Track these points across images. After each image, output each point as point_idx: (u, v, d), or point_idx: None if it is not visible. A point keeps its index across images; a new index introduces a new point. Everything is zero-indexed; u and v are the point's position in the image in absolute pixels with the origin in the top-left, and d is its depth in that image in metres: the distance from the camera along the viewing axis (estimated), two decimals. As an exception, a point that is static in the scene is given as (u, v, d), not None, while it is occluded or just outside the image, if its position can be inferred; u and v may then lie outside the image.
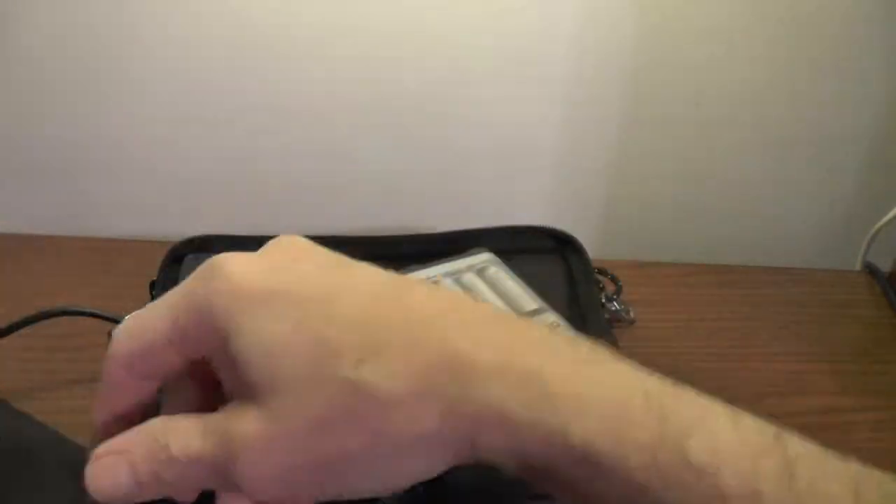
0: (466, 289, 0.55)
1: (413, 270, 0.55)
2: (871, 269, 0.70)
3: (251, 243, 0.58)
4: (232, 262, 0.27)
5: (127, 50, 0.62)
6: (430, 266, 0.56)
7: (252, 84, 0.64)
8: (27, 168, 0.66)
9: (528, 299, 0.54)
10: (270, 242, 0.30)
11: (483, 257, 0.57)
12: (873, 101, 0.69)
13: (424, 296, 0.27)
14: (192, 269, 0.55)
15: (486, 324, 0.26)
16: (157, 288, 0.53)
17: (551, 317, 0.52)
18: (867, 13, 0.64)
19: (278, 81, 0.64)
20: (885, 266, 0.70)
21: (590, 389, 0.25)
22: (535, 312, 0.52)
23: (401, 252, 0.59)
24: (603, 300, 0.59)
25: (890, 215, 0.69)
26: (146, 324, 0.28)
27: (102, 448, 0.27)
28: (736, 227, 0.75)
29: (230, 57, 0.62)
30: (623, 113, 0.68)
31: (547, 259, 0.61)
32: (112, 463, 0.26)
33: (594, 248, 0.64)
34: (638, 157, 0.71)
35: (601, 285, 0.60)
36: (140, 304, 0.57)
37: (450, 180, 0.70)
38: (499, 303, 0.53)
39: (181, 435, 0.26)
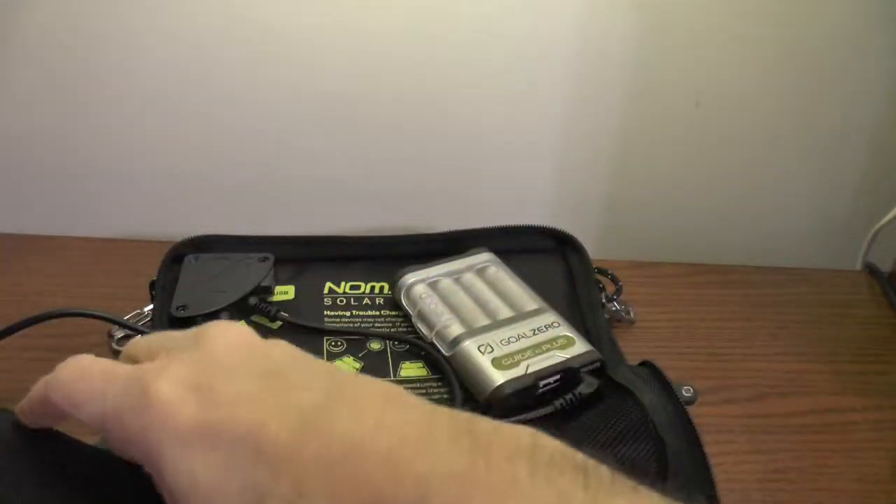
0: (466, 288, 0.54)
1: (412, 270, 0.55)
2: (871, 269, 0.70)
3: (251, 243, 0.58)
4: (163, 388, 0.27)
5: (127, 50, 0.62)
6: (430, 266, 0.56)
7: (252, 85, 0.64)
8: (27, 168, 0.66)
9: (528, 299, 0.54)
10: (204, 334, 0.29)
11: (483, 257, 0.57)
12: (873, 101, 0.69)
13: (349, 420, 0.26)
14: (192, 268, 0.53)
15: (414, 446, 0.25)
16: (157, 288, 0.53)
17: (551, 316, 0.52)
18: (867, 13, 0.64)
19: (278, 82, 0.64)
20: (885, 266, 0.70)
21: None
22: (535, 312, 0.52)
23: (400, 252, 0.59)
24: (603, 300, 0.59)
25: (890, 215, 0.69)
26: (93, 389, 0.29)
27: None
28: (736, 227, 0.75)
29: (231, 58, 0.62)
30: (623, 113, 0.68)
31: (547, 259, 0.61)
32: None
33: (594, 248, 0.63)
34: (638, 158, 0.71)
35: (601, 285, 0.60)
36: (140, 304, 0.58)
37: (450, 180, 0.70)
38: (499, 303, 0.53)
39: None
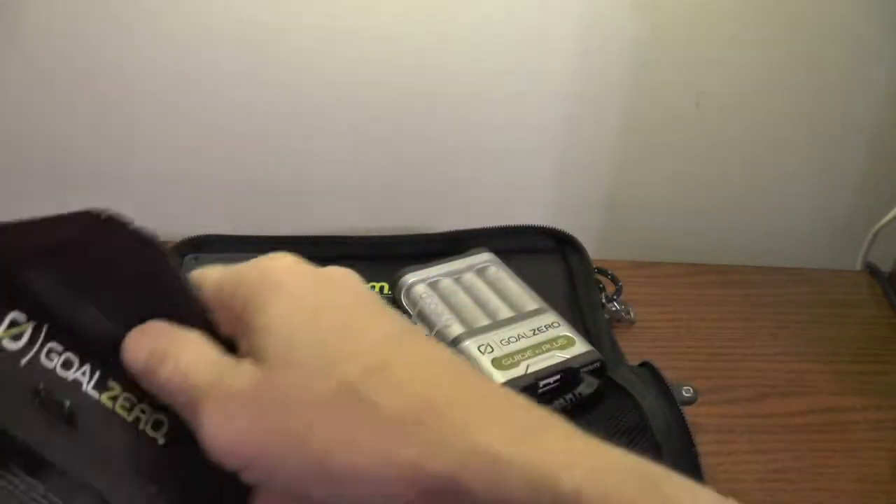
0: (466, 288, 0.54)
1: (413, 270, 0.55)
2: (871, 269, 0.70)
3: (251, 243, 0.58)
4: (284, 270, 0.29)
5: (126, 50, 0.62)
6: (430, 266, 0.56)
7: (253, 85, 0.64)
8: (28, 169, 0.66)
9: (528, 299, 0.54)
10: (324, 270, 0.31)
11: (483, 257, 0.57)
12: (873, 101, 0.69)
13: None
14: (192, 268, 0.54)
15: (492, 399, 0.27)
16: None
17: (551, 316, 0.52)
18: (867, 13, 0.64)
19: (279, 83, 0.64)
20: (885, 266, 0.70)
21: (584, 449, 0.25)
22: (535, 312, 0.52)
23: (400, 252, 0.59)
24: (603, 300, 0.59)
25: (890, 215, 0.69)
26: (204, 274, 0.30)
27: (148, 325, 0.28)
28: (736, 227, 0.75)
29: (232, 58, 0.62)
30: (623, 113, 0.68)
31: (547, 259, 0.61)
32: (140, 338, 0.28)
33: (594, 248, 0.64)
34: (638, 158, 0.71)
35: (601, 285, 0.60)
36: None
37: (450, 180, 0.70)
38: (499, 303, 0.53)
39: (192, 355, 0.27)
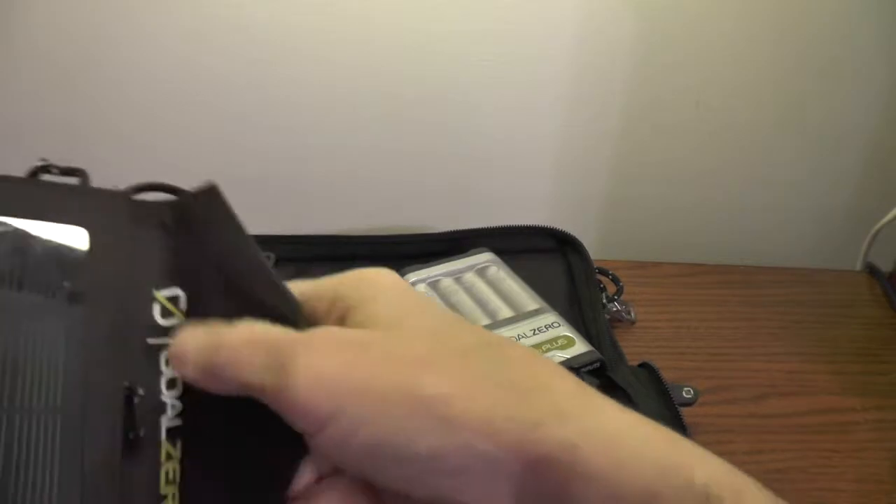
0: (466, 288, 0.54)
1: (413, 270, 0.55)
2: (871, 270, 0.70)
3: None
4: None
5: (128, 50, 0.62)
6: (431, 265, 0.56)
7: (254, 86, 0.64)
8: (29, 164, 0.66)
9: (529, 299, 0.54)
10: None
11: (484, 257, 0.57)
12: (873, 101, 0.69)
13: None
14: None
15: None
16: None
17: (551, 316, 0.52)
18: (867, 14, 0.64)
19: (280, 83, 0.64)
20: (885, 266, 0.70)
21: (708, 454, 0.25)
22: (535, 312, 0.52)
23: (402, 252, 0.59)
24: (604, 300, 0.59)
25: (890, 215, 0.69)
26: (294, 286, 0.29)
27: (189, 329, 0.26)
28: (736, 227, 0.75)
29: (233, 58, 0.62)
30: (623, 113, 0.68)
31: (548, 259, 0.61)
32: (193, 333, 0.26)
33: (594, 248, 0.63)
34: (638, 158, 0.71)
35: (602, 286, 0.60)
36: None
37: (450, 180, 0.70)
38: (499, 303, 0.53)
39: (262, 325, 0.25)
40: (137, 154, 0.67)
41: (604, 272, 0.62)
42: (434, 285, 0.54)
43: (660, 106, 0.68)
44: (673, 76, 0.67)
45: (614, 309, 0.60)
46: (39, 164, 0.28)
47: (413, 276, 0.55)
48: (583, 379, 0.47)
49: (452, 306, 0.53)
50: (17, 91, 0.63)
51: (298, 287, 0.29)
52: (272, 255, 0.55)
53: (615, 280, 0.62)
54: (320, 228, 0.63)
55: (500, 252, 0.58)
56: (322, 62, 0.63)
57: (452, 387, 0.23)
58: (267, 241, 0.57)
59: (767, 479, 0.53)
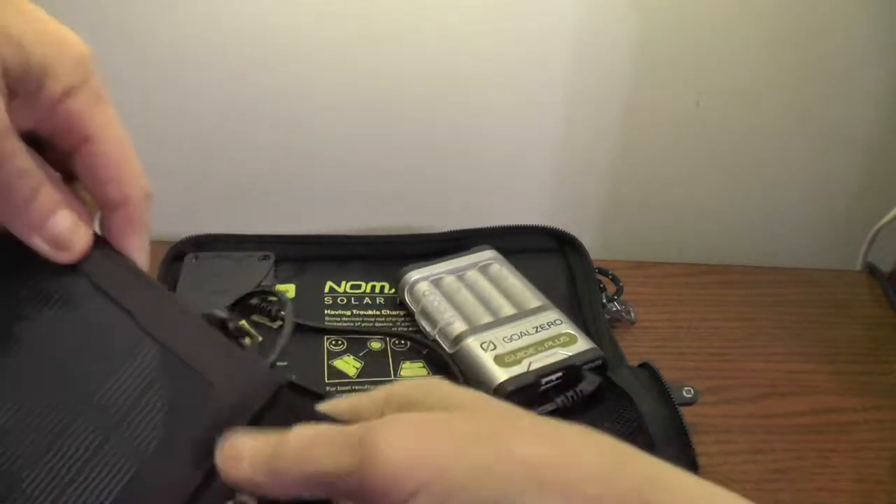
0: (469, 285, 0.54)
1: (417, 268, 0.55)
2: (871, 269, 0.70)
3: (251, 242, 0.58)
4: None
5: (127, 50, 0.62)
6: (434, 263, 0.56)
7: (254, 85, 0.64)
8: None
9: (531, 297, 0.54)
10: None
11: (486, 255, 0.57)
12: (873, 101, 0.69)
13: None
14: (192, 267, 0.53)
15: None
16: None
17: (553, 314, 0.52)
18: (867, 13, 0.64)
19: (279, 83, 0.64)
20: (885, 266, 0.70)
21: None
22: (538, 310, 0.52)
23: (402, 252, 0.59)
24: (604, 300, 0.59)
25: (890, 215, 0.69)
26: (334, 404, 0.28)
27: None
28: (736, 227, 0.75)
29: (232, 57, 0.62)
30: (623, 113, 0.68)
31: (548, 258, 0.61)
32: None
33: (594, 248, 0.63)
34: (638, 158, 0.71)
35: (602, 286, 0.60)
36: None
37: (450, 180, 0.70)
38: (502, 300, 0.53)
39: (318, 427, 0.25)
40: (138, 153, 0.67)
41: (604, 272, 0.62)
42: (437, 283, 0.54)
43: (660, 106, 0.68)
44: (673, 76, 0.67)
45: (614, 309, 0.60)
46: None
47: (416, 274, 0.55)
48: (585, 377, 0.47)
49: (455, 303, 0.53)
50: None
51: (348, 401, 0.27)
52: (271, 255, 0.55)
53: (615, 280, 0.62)
54: (319, 227, 0.63)
55: (500, 251, 0.58)
56: (321, 62, 0.63)
57: (545, 453, 0.23)
58: (266, 241, 0.57)
59: (767, 479, 0.53)
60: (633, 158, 0.71)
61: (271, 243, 0.57)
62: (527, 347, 0.49)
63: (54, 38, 0.29)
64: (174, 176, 0.68)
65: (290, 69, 0.63)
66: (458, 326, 0.50)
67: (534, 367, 0.47)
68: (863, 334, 0.63)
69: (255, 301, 0.52)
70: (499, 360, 0.48)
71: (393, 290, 0.56)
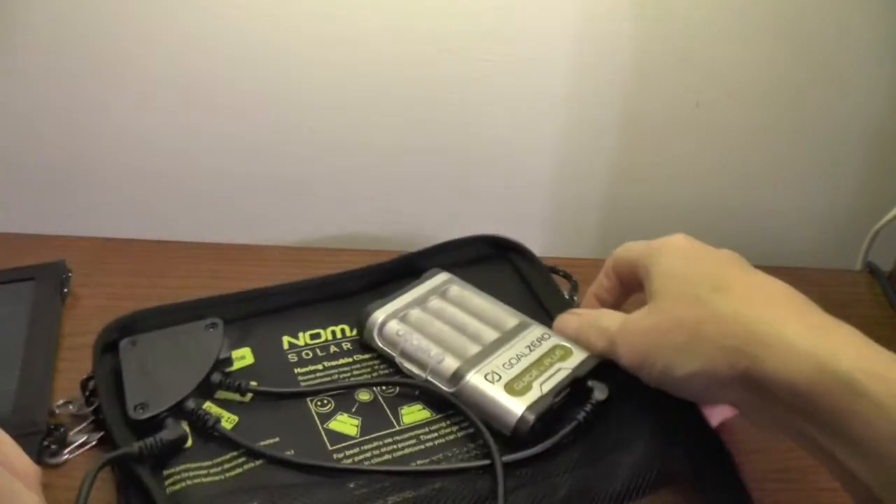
0: (438, 314, 0.51)
1: (378, 307, 0.51)
2: (871, 269, 0.70)
3: (183, 311, 0.50)
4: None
5: (126, 52, 0.62)
6: (392, 299, 0.52)
7: (254, 85, 0.64)
8: (28, 170, 0.67)
9: (506, 315, 0.51)
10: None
11: (440, 278, 0.54)
12: (873, 101, 0.69)
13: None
14: (132, 355, 0.46)
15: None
16: (98, 387, 0.45)
17: (538, 329, 0.50)
18: (868, 13, 0.64)
19: (280, 83, 0.64)
20: (885, 266, 0.70)
21: (860, 343, 0.37)
22: (520, 327, 0.50)
23: (348, 288, 0.55)
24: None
25: (890, 215, 0.69)
26: (624, 251, 0.49)
27: (570, 311, 0.50)
28: (736, 227, 0.75)
29: (229, 62, 0.62)
30: (623, 112, 0.68)
31: (496, 267, 0.58)
32: (568, 318, 0.49)
33: (594, 248, 0.64)
34: (638, 157, 0.71)
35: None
36: (140, 304, 0.57)
37: (449, 180, 0.71)
38: (479, 325, 0.50)
39: (605, 317, 0.46)
40: (135, 157, 0.67)
41: (554, 271, 0.59)
42: (405, 319, 0.50)
43: (660, 106, 0.68)
44: (673, 76, 0.67)
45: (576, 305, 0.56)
46: None
47: (380, 314, 0.50)
48: (594, 388, 0.46)
49: (435, 338, 0.49)
50: (20, 87, 0.63)
51: (631, 251, 0.48)
52: (218, 321, 0.48)
53: (567, 276, 0.59)
54: (319, 227, 0.63)
55: (448, 268, 0.55)
56: (320, 62, 0.63)
57: (688, 335, 0.40)
58: (200, 307, 0.50)
59: (768, 478, 0.53)
60: (632, 158, 0.71)
61: (208, 307, 0.50)
62: (529, 370, 0.46)
63: None
64: (174, 176, 0.68)
65: (289, 69, 0.63)
66: (451, 363, 0.47)
67: (545, 388, 0.45)
68: (863, 334, 0.63)
69: (215, 377, 0.45)
70: (510, 389, 0.45)
71: (355, 333, 0.52)
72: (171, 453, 0.41)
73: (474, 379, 0.45)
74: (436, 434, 0.45)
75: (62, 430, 0.45)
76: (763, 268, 0.69)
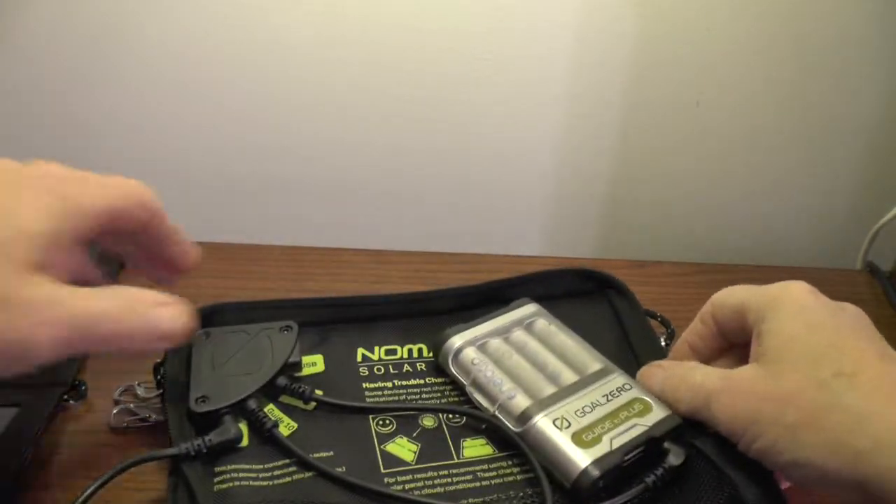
0: (518, 348, 0.48)
1: (457, 332, 0.49)
2: (871, 269, 0.70)
3: (264, 308, 0.49)
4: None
5: (125, 51, 0.62)
6: (474, 325, 0.49)
7: (255, 85, 0.64)
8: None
9: (589, 358, 0.47)
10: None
11: (528, 309, 0.51)
12: (873, 100, 0.69)
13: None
14: (205, 347, 0.45)
15: None
16: (167, 373, 0.45)
17: (620, 378, 0.46)
18: (867, 13, 0.64)
19: (280, 83, 0.64)
20: (885, 265, 0.70)
21: None
22: (601, 374, 0.46)
23: (433, 308, 0.52)
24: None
25: (890, 214, 0.69)
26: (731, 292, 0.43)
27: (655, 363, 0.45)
28: (736, 226, 0.75)
29: (229, 62, 0.62)
30: (623, 112, 0.68)
31: (591, 304, 0.55)
32: (654, 370, 0.44)
33: (594, 247, 0.64)
34: (638, 157, 0.71)
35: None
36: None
37: (449, 180, 0.71)
38: (559, 365, 0.47)
39: (699, 373, 0.41)
40: (135, 155, 0.67)
41: (652, 315, 0.56)
42: (483, 348, 0.48)
43: (660, 106, 0.68)
44: (673, 76, 0.67)
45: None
46: None
47: (458, 340, 0.48)
48: (669, 451, 0.42)
49: (510, 373, 0.46)
50: (21, 86, 0.63)
51: (737, 295, 0.42)
52: (294, 325, 0.47)
53: (665, 323, 0.56)
54: (319, 226, 0.64)
55: (538, 300, 0.52)
56: (320, 61, 0.63)
57: (804, 418, 0.35)
58: (283, 307, 0.50)
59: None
60: (632, 158, 0.71)
61: (288, 308, 0.49)
62: (602, 421, 0.43)
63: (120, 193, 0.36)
64: (173, 175, 0.68)
65: (289, 68, 0.63)
66: (521, 401, 0.44)
67: (616, 444, 0.41)
68: (863, 334, 0.63)
69: (282, 381, 0.45)
70: (577, 439, 0.42)
71: (431, 354, 0.50)
72: (225, 451, 0.41)
73: (542, 422, 0.43)
74: (494, 473, 0.43)
75: (83, 387, 0.47)
76: (763, 267, 0.70)
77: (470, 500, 0.41)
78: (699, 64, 0.66)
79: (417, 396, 0.47)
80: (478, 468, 0.43)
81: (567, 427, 0.42)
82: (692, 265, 0.68)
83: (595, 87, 0.67)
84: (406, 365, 0.49)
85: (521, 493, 0.42)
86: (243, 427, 0.42)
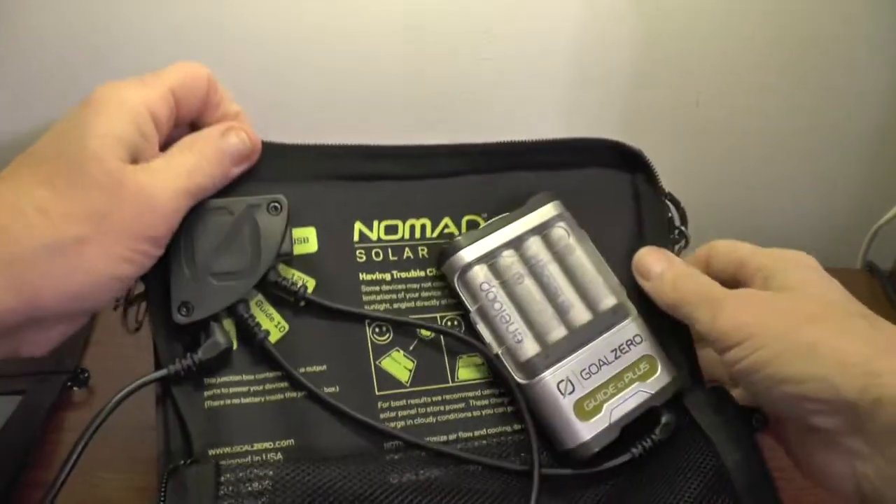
0: (532, 268, 0.44)
1: (467, 243, 0.43)
2: (871, 268, 0.70)
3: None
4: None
5: (125, 50, 0.62)
6: (487, 234, 0.44)
7: (254, 85, 0.64)
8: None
9: (605, 290, 0.44)
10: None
11: (548, 211, 0.45)
12: (873, 100, 0.69)
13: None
14: (187, 226, 0.39)
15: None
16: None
17: (632, 327, 0.44)
18: (867, 13, 0.64)
19: (280, 83, 0.64)
20: (885, 265, 0.70)
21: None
22: (613, 313, 0.44)
23: (440, 170, 0.45)
24: (675, 234, 0.50)
25: (890, 214, 0.69)
26: (732, 249, 0.44)
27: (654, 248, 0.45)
28: (736, 226, 0.75)
29: (229, 62, 0.63)
30: (623, 112, 0.68)
31: (614, 187, 0.50)
32: (659, 256, 0.44)
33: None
34: (638, 157, 0.71)
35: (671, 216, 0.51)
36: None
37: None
38: (572, 296, 0.44)
39: (709, 278, 0.41)
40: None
41: (674, 201, 0.51)
42: (494, 266, 0.43)
43: (660, 105, 0.68)
44: (673, 75, 0.67)
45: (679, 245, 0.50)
46: None
47: (468, 255, 0.43)
48: (661, 420, 0.42)
49: (519, 304, 0.43)
50: (19, 87, 0.63)
51: (740, 250, 0.43)
52: (282, 202, 0.40)
53: (674, 202, 0.52)
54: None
55: (561, 166, 0.47)
56: (320, 61, 0.63)
57: (823, 337, 0.35)
58: (270, 154, 0.42)
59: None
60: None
61: (275, 158, 0.42)
62: (606, 385, 0.42)
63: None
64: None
65: (289, 68, 0.63)
66: (529, 347, 0.42)
67: (615, 416, 0.41)
68: (863, 333, 0.63)
69: (272, 276, 0.40)
70: (578, 408, 0.41)
71: (436, 234, 0.45)
72: (214, 365, 0.38)
73: (546, 382, 0.41)
74: (486, 402, 0.42)
75: (86, 375, 0.50)
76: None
77: (460, 434, 0.41)
78: (699, 64, 0.66)
79: (417, 296, 0.43)
80: (471, 394, 0.42)
81: (570, 392, 0.41)
82: (692, 265, 0.68)
83: (595, 87, 0.67)
84: (407, 249, 0.44)
85: (511, 428, 0.42)
86: (230, 326, 0.39)
